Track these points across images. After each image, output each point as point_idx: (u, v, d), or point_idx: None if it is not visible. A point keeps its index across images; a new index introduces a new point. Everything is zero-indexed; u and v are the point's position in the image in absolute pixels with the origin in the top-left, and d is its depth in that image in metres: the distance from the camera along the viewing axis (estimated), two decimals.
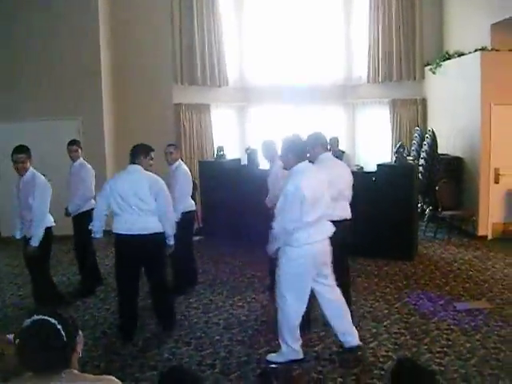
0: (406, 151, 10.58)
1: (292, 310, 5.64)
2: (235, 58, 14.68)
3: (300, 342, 5.81)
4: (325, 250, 5.68)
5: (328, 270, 5.78)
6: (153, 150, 6.80)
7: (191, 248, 8.54)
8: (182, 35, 13.20)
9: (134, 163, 6.52)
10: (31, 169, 7.19)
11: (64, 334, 2.54)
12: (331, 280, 5.84)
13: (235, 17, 14.72)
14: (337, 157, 12.06)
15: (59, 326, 2.55)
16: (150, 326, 6.97)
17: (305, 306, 5.69)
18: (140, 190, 6.34)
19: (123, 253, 6.48)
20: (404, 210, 9.54)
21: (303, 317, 5.82)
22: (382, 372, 5.43)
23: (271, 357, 5.84)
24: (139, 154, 6.56)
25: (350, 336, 5.91)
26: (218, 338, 6.52)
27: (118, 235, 6.44)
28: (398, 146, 10.33)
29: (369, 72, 14.28)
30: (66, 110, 12.29)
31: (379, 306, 7.38)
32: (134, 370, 5.77)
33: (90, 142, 11.44)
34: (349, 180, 6.79)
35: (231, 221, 10.90)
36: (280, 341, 5.79)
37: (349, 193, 6.76)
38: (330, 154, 6.80)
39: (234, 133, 14.80)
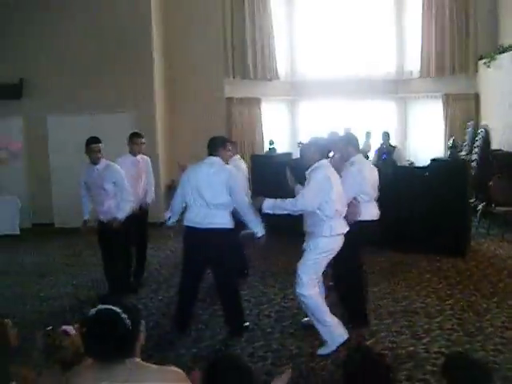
0: (459, 146, 10.46)
1: (317, 295, 5.89)
2: (286, 51, 14.70)
3: (339, 321, 5.97)
4: (340, 246, 5.93)
5: None
6: (231, 142, 6.85)
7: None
8: (234, 29, 13.29)
9: (212, 155, 6.41)
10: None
11: (129, 323, 2.61)
12: None
13: (286, 10, 14.74)
14: (388, 152, 12.13)
15: (124, 315, 2.61)
16: (204, 316, 7.07)
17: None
18: (216, 183, 6.22)
19: (190, 246, 6.39)
20: (457, 206, 9.42)
21: (362, 311, 6.19)
22: (435, 368, 5.39)
23: (321, 350, 5.89)
24: (218, 146, 6.42)
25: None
26: (269, 330, 6.57)
27: (188, 227, 6.32)
28: (451, 141, 10.22)
29: (421, 66, 14.14)
30: (120, 104, 12.51)
31: (431, 301, 7.32)
32: (187, 359, 5.85)
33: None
34: (377, 181, 6.81)
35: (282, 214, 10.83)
36: (320, 330, 5.90)
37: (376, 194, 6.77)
38: (361, 155, 6.85)
39: (285, 127, 14.81)
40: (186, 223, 6.35)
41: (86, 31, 12.64)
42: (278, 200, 5.84)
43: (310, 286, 5.82)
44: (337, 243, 5.87)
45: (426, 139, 14.33)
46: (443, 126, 14.00)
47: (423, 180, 9.67)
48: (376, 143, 13.13)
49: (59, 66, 12.74)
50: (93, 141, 7.55)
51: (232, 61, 13.33)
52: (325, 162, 5.88)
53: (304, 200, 5.68)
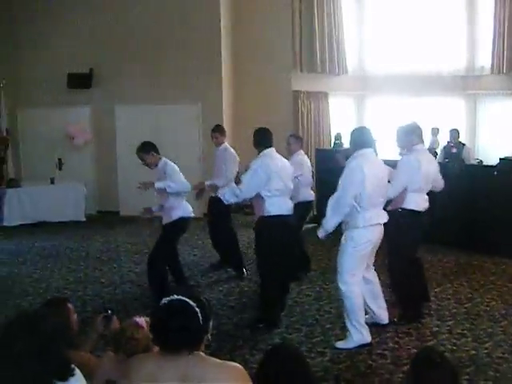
0: None
1: (357, 294, 5.87)
2: (355, 46, 14.53)
3: (367, 327, 5.96)
4: (381, 236, 5.94)
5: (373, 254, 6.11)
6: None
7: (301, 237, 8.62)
8: (302, 22, 13.21)
9: (271, 146, 6.56)
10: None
11: (201, 318, 2.62)
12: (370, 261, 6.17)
13: (355, 4, 14.56)
14: (457, 150, 11.84)
15: (197, 309, 2.62)
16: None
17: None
18: (289, 172, 6.57)
19: (279, 235, 6.40)
20: None
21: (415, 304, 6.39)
22: (498, 374, 5.25)
23: (340, 344, 5.94)
24: (271, 138, 6.63)
25: (384, 312, 6.30)
26: (329, 326, 6.52)
27: (279, 216, 6.39)
28: None
29: (493, 62, 13.71)
30: (186, 95, 12.63)
31: (496, 305, 7.12)
32: (244, 351, 5.88)
33: (209, 128, 11.64)
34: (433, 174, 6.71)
35: None
36: (348, 326, 5.91)
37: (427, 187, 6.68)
38: (423, 145, 6.83)
39: (352, 122, 14.66)
40: (274, 212, 6.37)
41: (153, 21, 12.77)
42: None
43: (350, 283, 5.84)
44: (373, 234, 5.85)
45: (495, 137, 13.94)
46: None
47: (492, 178, 9.43)
48: (444, 141, 12.87)
49: (127, 56, 12.93)
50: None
51: (300, 54, 13.26)
52: (364, 151, 5.85)
53: (342, 198, 5.70)
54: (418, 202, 6.47)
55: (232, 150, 8.61)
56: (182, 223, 7.38)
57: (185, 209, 7.37)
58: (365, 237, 5.80)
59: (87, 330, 4.09)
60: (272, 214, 6.34)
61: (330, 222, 5.86)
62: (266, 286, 6.53)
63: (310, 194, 8.42)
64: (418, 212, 6.46)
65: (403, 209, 6.41)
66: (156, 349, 2.86)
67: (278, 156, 6.56)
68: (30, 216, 12.17)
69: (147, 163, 7.27)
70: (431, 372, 2.86)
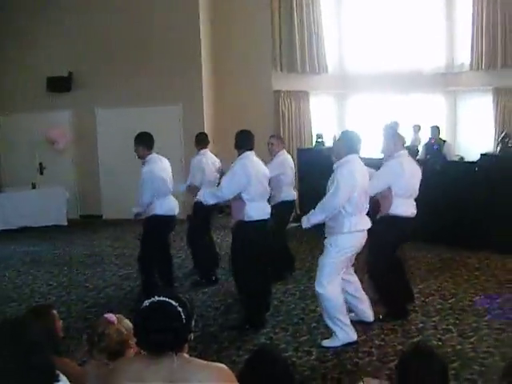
0: (510, 141, 10.23)
1: (336, 295, 5.89)
2: (334, 44, 14.56)
3: (351, 325, 6.00)
4: (364, 241, 5.96)
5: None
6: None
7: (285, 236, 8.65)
8: (282, 22, 13.20)
9: (252, 149, 6.56)
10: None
11: (183, 317, 2.60)
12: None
13: (334, 3, 14.60)
14: (438, 146, 11.91)
15: (180, 309, 2.60)
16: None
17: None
18: (267, 175, 6.62)
19: (260, 240, 6.43)
20: (507, 201, 9.20)
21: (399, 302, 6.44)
22: (483, 368, 5.28)
23: (326, 342, 5.97)
24: (253, 140, 6.61)
25: (368, 311, 6.35)
26: (314, 325, 6.52)
27: (258, 221, 6.40)
28: (502, 135, 10.01)
29: (472, 58, 13.82)
30: (167, 96, 12.60)
31: (480, 299, 7.18)
32: (231, 352, 5.85)
33: (189, 128, 11.66)
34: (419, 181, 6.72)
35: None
36: (331, 326, 5.93)
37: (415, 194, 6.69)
38: (406, 152, 6.78)
39: (333, 121, 14.70)
40: (256, 217, 6.38)
41: (132, 22, 12.72)
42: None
43: (327, 286, 5.84)
44: (357, 240, 5.88)
45: (476, 133, 14.04)
46: (494, 121, 13.69)
47: (473, 175, 9.49)
48: (425, 138, 12.94)
49: (106, 58, 12.88)
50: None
51: (280, 53, 13.25)
52: (352, 157, 5.84)
53: (335, 198, 5.70)
54: (405, 207, 6.47)
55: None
56: (155, 221, 7.39)
57: (161, 207, 7.37)
58: (349, 242, 5.82)
59: (71, 336, 4.08)
60: (254, 218, 6.36)
61: (316, 217, 5.85)
62: (245, 291, 6.57)
63: (292, 194, 8.42)
64: (405, 218, 6.45)
65: (389, 214, 6.41)
66: (134, 347, 2.84)
67: (256, 159, 6.56)
68: (11, 221, 12.07)
69: (137, 155, 7.35)
70: (420, 363, 2.89)
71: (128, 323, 3.51)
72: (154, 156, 7.40)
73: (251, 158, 6.46)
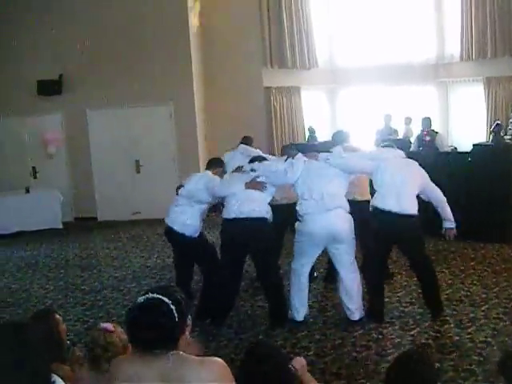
0: (502, 130, 10.25)
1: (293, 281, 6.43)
2: (324, 39, 14.57)
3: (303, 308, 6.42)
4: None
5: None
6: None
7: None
8: (271, 18, 13.21)
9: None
10: None
11: (176, 315, 2.58)
12: None
13: None
14: (430, 138, 11.90)
15: (172, 307, 2.58)
16: (245, 307, 7.07)
17: None
18: None
19: (232, 238, 6.42)
20: (501, 191, 9.22)
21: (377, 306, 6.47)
22: (481, 358, 5.29)
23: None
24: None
25: (356, 311, 6.36)
26: (312, 320, 6.52)
27: (230, 220, 6.37)
28: (494, 125, 10.02)
29: (462, 49, 13.84)
30: (158, 95, 12.57)
31: (476, 289, 7.18)
32: (229, 351, 5.84)
33: (181, 126, 11.65)
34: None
35: None
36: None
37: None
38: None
39: (325, 115, 14.71)
40: (227, 216, 6.37)
41: (122, 23, 12.67)
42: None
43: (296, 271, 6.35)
44: (309, 226, 6.11)
45: (468, 124, 14.06)
46: (486, 110, 13.71)
47: (466, 165, 9.50)
48: (417, 130, 12.94)
49: (96, 60, 12.82)
50: None
51: (270, 49, 13.25)
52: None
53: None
54: (384, 200, 6.25)
55: None
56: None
57: None
58: (304, 228, 6.18)
59: (69, 339, 4.06)
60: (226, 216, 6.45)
61: None
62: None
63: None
64: (384, 211, 6.21)
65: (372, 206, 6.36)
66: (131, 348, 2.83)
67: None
68: (6, 226, 12.00)
69: None
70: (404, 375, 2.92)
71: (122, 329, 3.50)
72: None
73: None
